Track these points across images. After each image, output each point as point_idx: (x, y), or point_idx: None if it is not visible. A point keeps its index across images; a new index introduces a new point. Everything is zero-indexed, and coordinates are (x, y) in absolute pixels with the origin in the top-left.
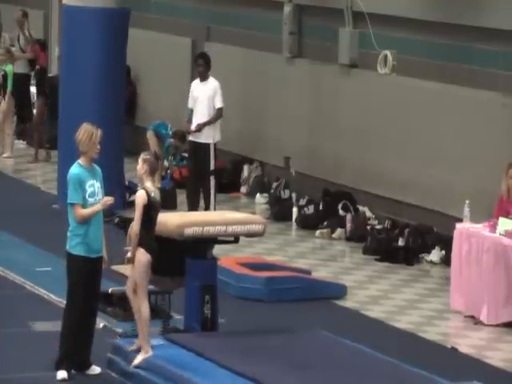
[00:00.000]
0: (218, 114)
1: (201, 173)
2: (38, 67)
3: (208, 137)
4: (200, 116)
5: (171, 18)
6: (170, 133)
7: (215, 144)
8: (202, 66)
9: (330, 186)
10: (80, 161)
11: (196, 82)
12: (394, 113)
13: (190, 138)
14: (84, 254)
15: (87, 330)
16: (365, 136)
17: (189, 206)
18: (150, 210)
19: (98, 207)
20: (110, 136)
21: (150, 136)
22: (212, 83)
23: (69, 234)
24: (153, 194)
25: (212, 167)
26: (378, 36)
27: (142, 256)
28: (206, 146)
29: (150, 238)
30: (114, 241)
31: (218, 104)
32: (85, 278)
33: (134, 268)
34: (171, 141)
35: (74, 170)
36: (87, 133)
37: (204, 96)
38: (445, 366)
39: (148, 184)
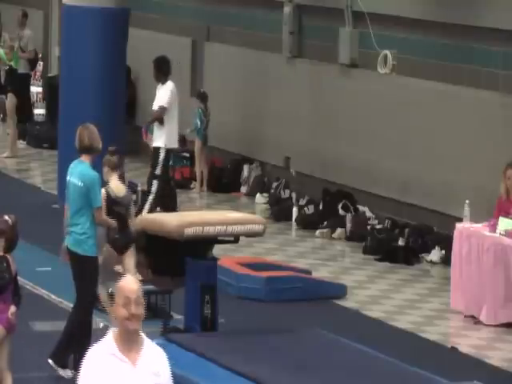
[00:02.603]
0: (157, 113)
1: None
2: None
3: (157, 140)
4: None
5: (171, 18)
6: None
7: (168, 150)
8: (153, 70)
9: (330, 186)
10: (89, 162)
11: (158, 86)
12: (394, 113)
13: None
14: (96, 254)
15: (90, 330)
16: (365, 136)
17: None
18: (114, 206)
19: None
20: (109, 136)
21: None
22: (166, 86)
23: (81, 237)
24: (114, 191)
25: (158, 172)
26: (377, 36)
27: (107, 250)
28: (157, 149)
29: (118, 232)
30: None
31: (160, 102)
32: (96, 278)
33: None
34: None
35: (92, 171)
36: (96, 131)
37: (157, 99)
38: (445, 366)
39: (111, 182)
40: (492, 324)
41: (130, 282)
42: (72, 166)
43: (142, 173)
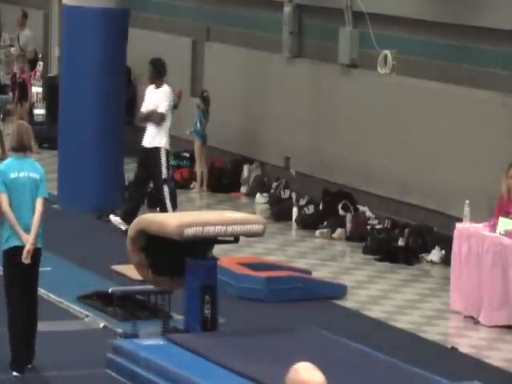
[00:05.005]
0: (157, 118)
1: (151, 180)
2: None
3: (156, 141)
4: (148, 125)
5: (171, 18)
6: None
7: (167, 151)
8: (150, 72)
9: (330, 186)
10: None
11: (150, 88)
12: (394, 113)
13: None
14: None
15: None
16: (365, 136)
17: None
18: None
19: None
20: (109, 136)
21: None
22: (164, 89)
23: (41, 230)
24: None
25: (165, 175)
26: (377, 36)
27: None
28: (157, 150)
29: None
30: (113, 241)
31: (160, 109)
32: None
33: None
34: (197, 103)
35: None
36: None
37: (152, 103)
38: (445, 366)
39: None
40: (489, 325)
41: (314, 375)
42: (13, 162)
43: None
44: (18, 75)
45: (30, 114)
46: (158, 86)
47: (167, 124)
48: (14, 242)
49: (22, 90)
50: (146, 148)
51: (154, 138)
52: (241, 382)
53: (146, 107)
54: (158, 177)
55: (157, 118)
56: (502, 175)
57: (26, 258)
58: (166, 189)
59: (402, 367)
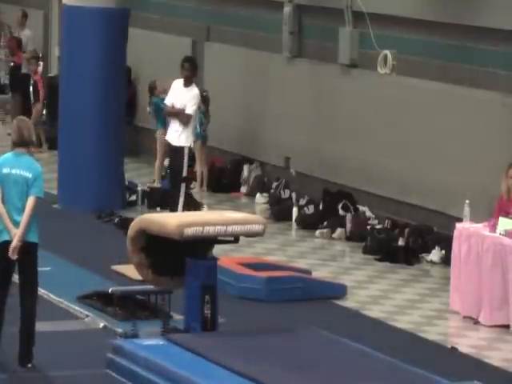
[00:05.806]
0: (184, 120)
1: (175, 177)
2: (12, 64)
3: (182, 141)
4: (173, 121)
5: (171, 18)
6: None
7: (190, 150)
8: (188, 71)
9: (330, 186)
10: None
11: (179, 84)
12: (394, 113)
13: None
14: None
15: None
16: (365, 136)
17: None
18: None
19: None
20: (109, 136)
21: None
22: (194, 91)
23: (30, 225)
24: None
25: (185, 174)
26: (377, 36)
27: None
28: (181, 149)
29: None
30: (113, 240)
31: (189, 110)
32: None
33: None
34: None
35: (38, 163)
36: (32, 124)
37: (181, 102)
38: (445, 366)
39: None
40: (489, 325)
41: None
42: (10, 158)
43: (142, 173)
44: (31, 76)
45: (30, 113)
46: (187, 85)
47: (192, 125)
48: (4, 237)
49: (34, 90)
50: (172, 145)
51: (180, 136)
52: (241, 381)
53: (170, 102)
54: (178, 175)
55: (184, 118)
56: (501, 175)
57: (12, 254)
58: (183, 188)
59: (402, 367)
